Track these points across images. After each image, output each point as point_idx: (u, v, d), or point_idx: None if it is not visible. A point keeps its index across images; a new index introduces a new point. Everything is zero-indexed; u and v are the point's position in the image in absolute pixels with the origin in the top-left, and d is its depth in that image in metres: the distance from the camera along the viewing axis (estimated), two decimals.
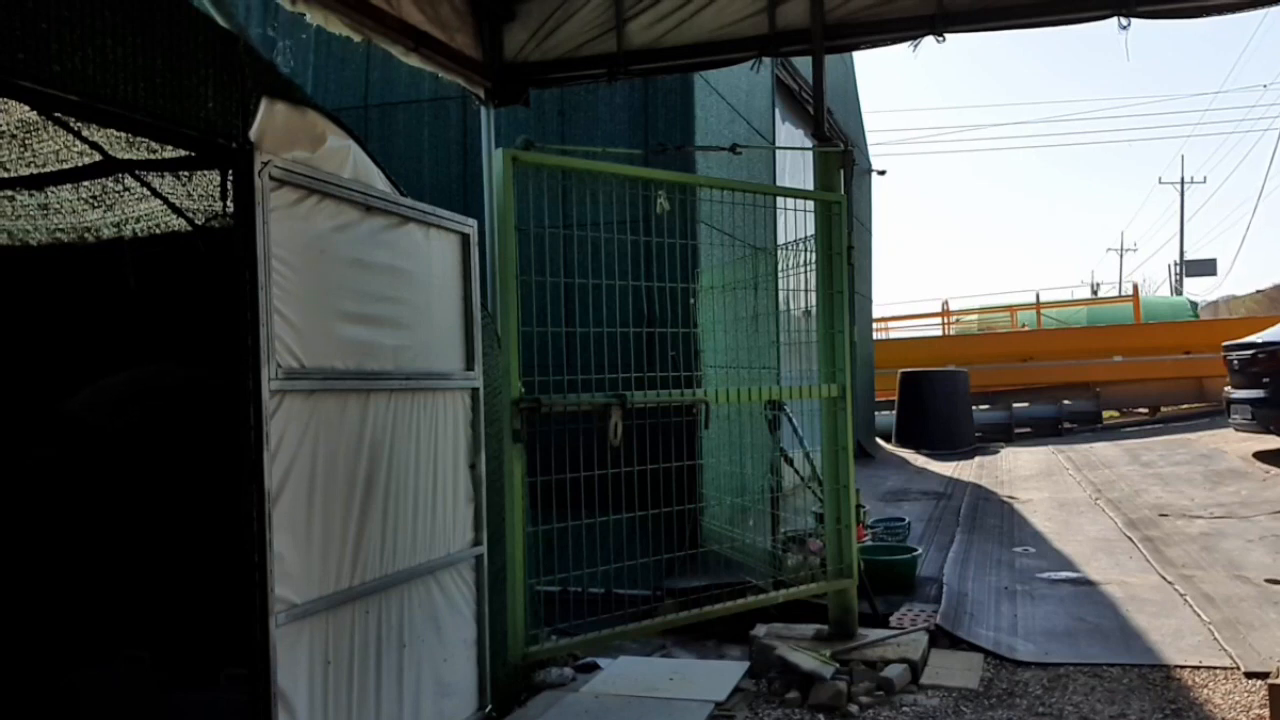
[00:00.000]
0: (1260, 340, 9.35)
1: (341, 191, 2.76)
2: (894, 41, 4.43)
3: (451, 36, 4.45)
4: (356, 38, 3.95)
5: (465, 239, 3.45)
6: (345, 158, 2.90)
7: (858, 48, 4.89)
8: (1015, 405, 15.47)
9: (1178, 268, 32.47)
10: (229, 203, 2.45)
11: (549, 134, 6.22)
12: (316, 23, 3.75)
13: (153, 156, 2.99)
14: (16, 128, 2.80)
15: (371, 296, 2.90)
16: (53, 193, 3.31)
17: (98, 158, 3.02)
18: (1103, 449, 12.02)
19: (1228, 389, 9.67)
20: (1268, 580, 5.22)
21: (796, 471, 5.50)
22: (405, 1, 4.11)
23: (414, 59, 4.28)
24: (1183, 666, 3.95)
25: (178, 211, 3.47)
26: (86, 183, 3.24)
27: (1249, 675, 3.77)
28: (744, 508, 5.39)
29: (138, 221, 3.54)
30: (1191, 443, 11.42)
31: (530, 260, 3.49)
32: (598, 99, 6.33)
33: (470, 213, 3.57)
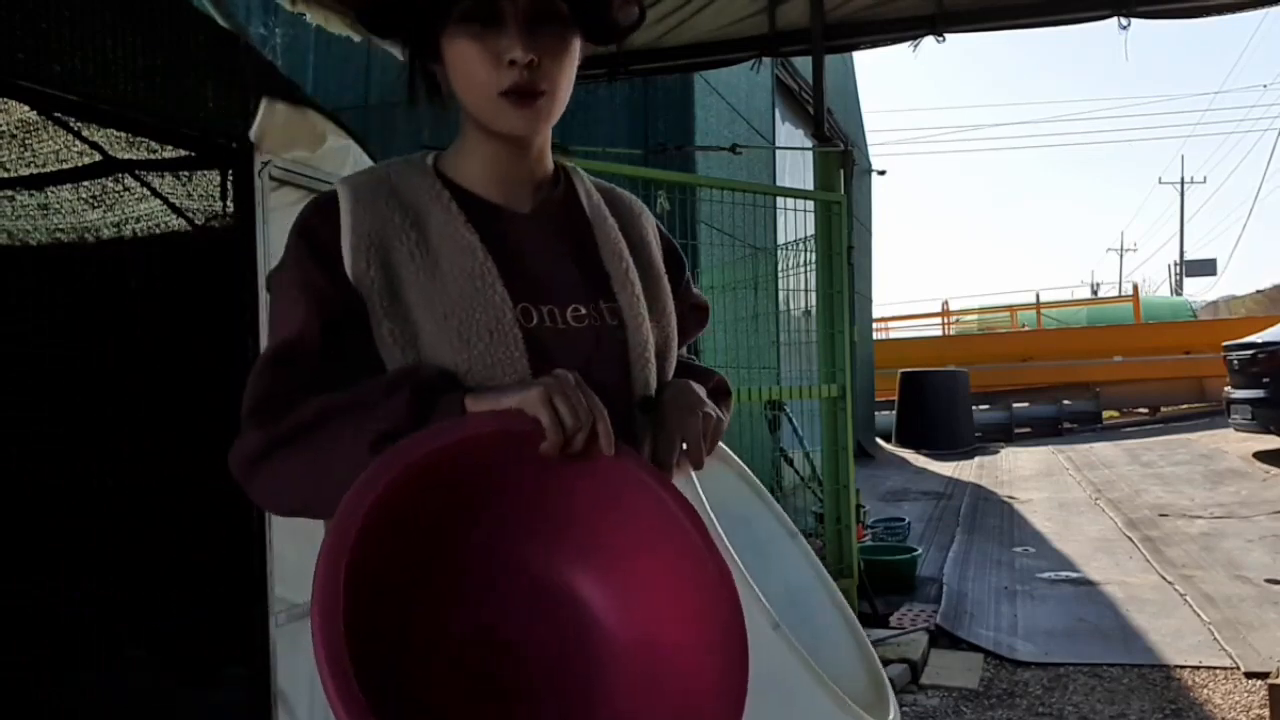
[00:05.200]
0: (1260, 340, 9.36)
1: None
2: (894, 41, 4.43)
3: None
4: (356, 38, 3.95)
5: None
6: (345, 158, 2.90)
7: (858, 48, 4.90)
8: (1015, 405, 15.47)
9: (1177, 268, 32.48)
10: (229, 203, 2.46)
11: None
12: (317, 23, 3.75)
13: (152, 156, 2.99)
14: (16, 128, 2.81)
15: None
16: (52, 192, 3.32)
17: (98, 158, 3.02)
18: (1103, 449, 12.02)
19: (1228, 389, 9.67)
20: (1268, 580, 5.22)
21: (796, 471, 5.50)
22: None
23: None
24: (1183, 666, 3.95)
25: (178, 211, 3.47)
26: (86, 183, 3.24)
27: (1249, 675, 3.77)
28: None
29: (138, 221, 3.54)
30: (1191, 443, 11.42)
31: None
32: (598, 99, 6.33)
33: None
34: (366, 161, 3.00)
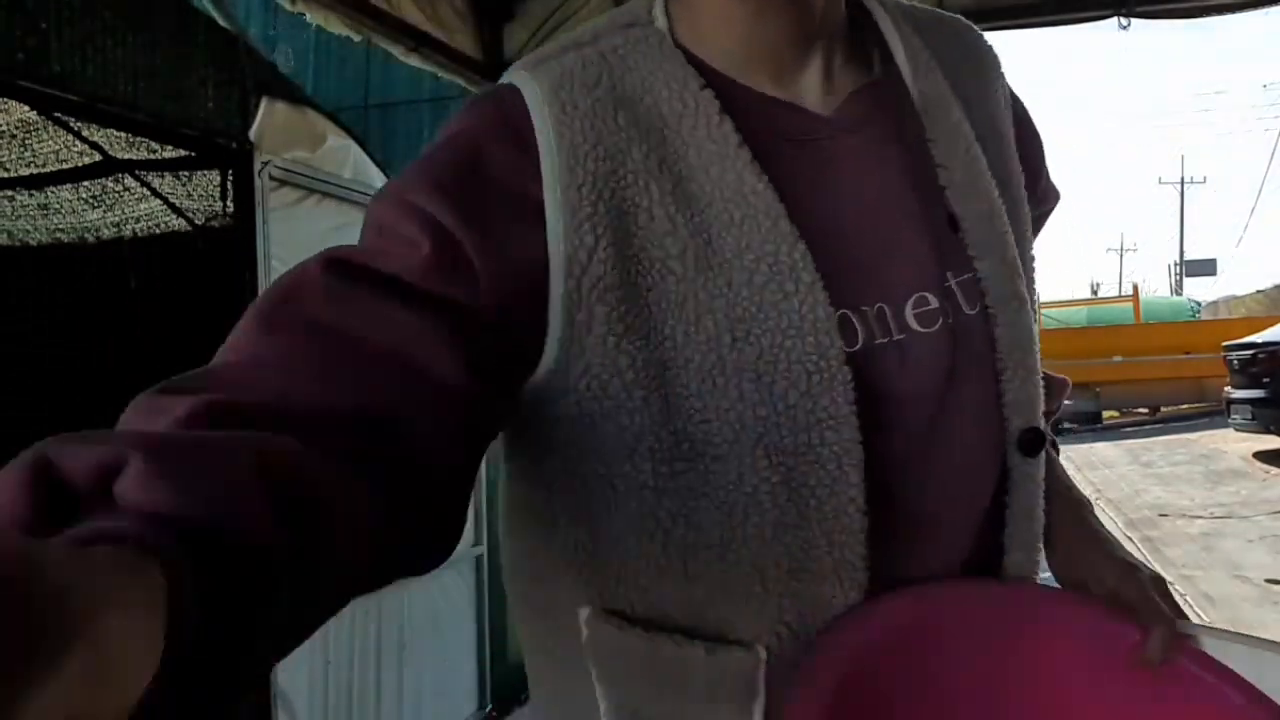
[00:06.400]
0: (1260, 340, 9.35)
1: (342, 192, 2.77)
2: None
3: (451, 36, 4.44)
4: (356, 37, 3.94)
5: None
6: (345, 157, 2.90)
7: None
8: None
9: (1178, 268, 32.49)
10: (229, 203, 2.46)
11: None
12: (317, 22, 3.74)
13: (152, 156, 2.99)
14: (16, 128, 2.81)
15: None
16: (52, 193, 3.32)
17: (97, 158, 3.03)
18: (1103, 449, 12.03)
19: (1228, 389, 9.67)
20: (1268, 580, 5.22)
21: None
22: (405, 1, 4.10)
23: (414, 59, 4.27)
24: None
25: (177, 211, 3.48)
26: (86, 183, 3.24)
27: None
28: None
29: (137, 221, 3.55)
30: (1191, 443, 11.43)
31: None
32: None
33: None
34: (366, 161, 3.00)
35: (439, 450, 0.47)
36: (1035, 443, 0.61)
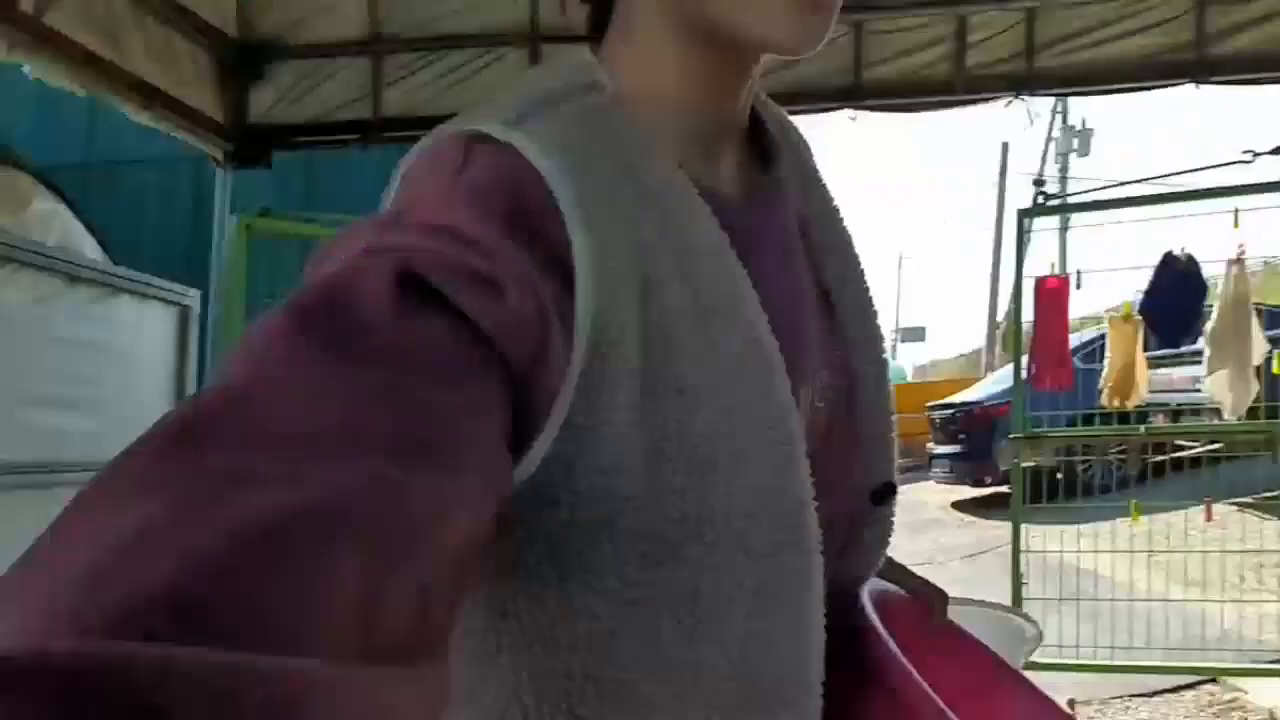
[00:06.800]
0: (959, 401, 10.64)
1: (43, 260, 2.60)
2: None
3: (188, 94, 4.27)
4: (81, 93, 3.70)
5: (185, 311, 3.31)
6: (52, 223, 2.73)
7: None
8: None
9: (894, 335, 36.19)
10: None
11: (293, 197, 6.02)
12: (36, 76, 3.48)
13: None
14: None
15: (71, 377, 2.70)
16: None
17: None
18: None
19: (930, 445, 10.88)
20: None
21: None
22: (138, 56, 3.90)
23: (145, 117, 4.05)
24: None
25: None
26: None
27: None
28: None
29: None
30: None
31: None
32: (349, 160, 6.24)
33: (200, 282, 3.43)
34: (77, 226, 2.83)
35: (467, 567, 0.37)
36: (886, 493, 0.66)
